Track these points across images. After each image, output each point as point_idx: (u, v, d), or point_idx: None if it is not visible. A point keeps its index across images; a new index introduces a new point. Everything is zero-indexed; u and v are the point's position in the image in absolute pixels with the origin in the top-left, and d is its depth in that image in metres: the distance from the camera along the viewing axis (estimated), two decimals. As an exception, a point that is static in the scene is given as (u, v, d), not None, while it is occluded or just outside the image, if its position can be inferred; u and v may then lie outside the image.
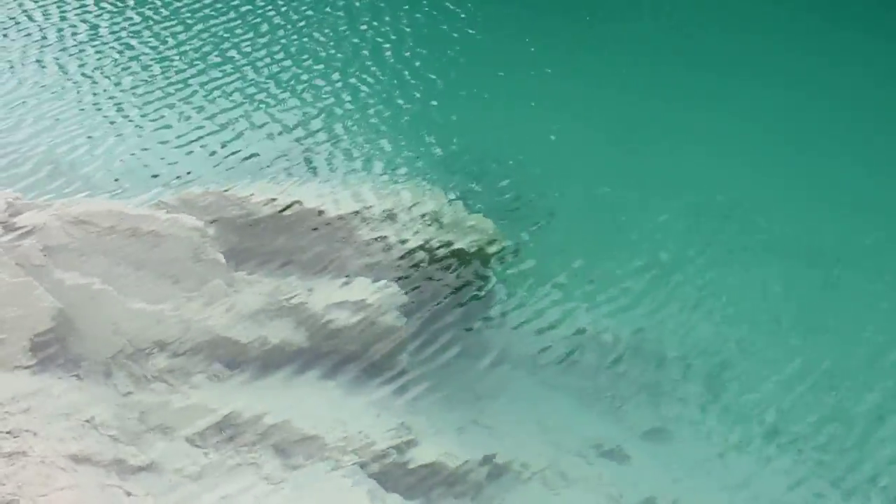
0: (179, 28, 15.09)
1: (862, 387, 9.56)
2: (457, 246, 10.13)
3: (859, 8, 16.59)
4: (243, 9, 15.77)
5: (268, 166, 11.69)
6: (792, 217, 11.77)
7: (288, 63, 14.25)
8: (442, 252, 10.02)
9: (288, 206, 10.06)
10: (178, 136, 12.20)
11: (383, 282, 9.39)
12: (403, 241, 9.94)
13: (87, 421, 7.51)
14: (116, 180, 11.21)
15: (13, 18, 15.10)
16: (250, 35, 14.98)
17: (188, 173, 11.39)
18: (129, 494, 7.00)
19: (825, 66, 14.80)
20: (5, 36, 14.57)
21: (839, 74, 14.60)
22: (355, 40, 15.10)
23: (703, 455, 8.98)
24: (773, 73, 14.58)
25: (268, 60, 14.29)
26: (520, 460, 8.58)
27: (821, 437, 9.13)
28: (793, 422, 9.25)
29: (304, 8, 15.98)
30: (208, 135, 12.28)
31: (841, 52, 15.20)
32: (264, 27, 15.26)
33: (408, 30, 15.54)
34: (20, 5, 15.47)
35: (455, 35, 15.37)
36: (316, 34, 15.22)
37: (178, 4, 15.83)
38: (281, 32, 15.14)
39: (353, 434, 8.06)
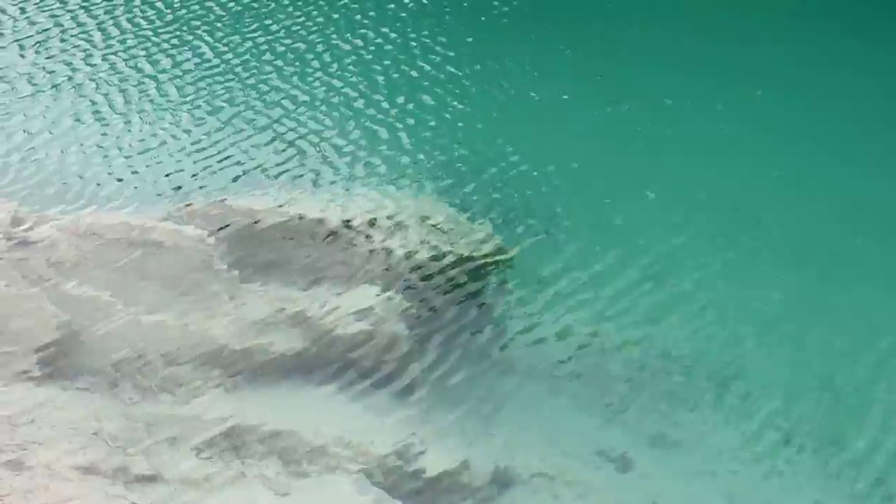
0: (183, 41, 15.16)
1: (872, 394, 9.50)
2: (461, 254, 10.14)
3: (865, 14, 16.57)
4: (245, 21, 15.85)
5: (272, 177, 11.74)
6: (800, 222, 11.70)
7: (291, 74, 14.30)
8: (446, 260, 10.03)
9: (292, 217, 10.11)
10: (182, 148, 12.27)
11: (388, 290, 9.42)
12: (407, 250, 9.96)
13: (93, 431, 7.53)
14: (122, 192, 11.29)
15: (17, 29, 15.20)
16: (253, 47, 15.04)
17: (192, 185, 11.45)
18: (134, 505, 7.02)
19: (831, 73, 14.72)
20: (9, 49, 14.66)
21: (845, 81, 14.54)
22: (357, 49, 15.14)
23: (709, 462, 8.94)
24: (779, 79, 14.53)
25: (271, 72, 14.34)
26: (526, 468, 8.56)
27: (829, 444, 9.08)
28: (801, 428, 9.20)
29: (305, 17, 16.03)
30: (212, 147, 12.34)
31: (849, 58, 15.15)
32: (266, 38, 15.31)
33: (408, 38, 15.58)
34: (24, 17, 15.57)
35: (457, 43, 15.39)
36: (318, 43, 15.27)
37: (182, 17, 15.91)
38: (283, 43, 15.19)
39: (358, 443, 8.07)
